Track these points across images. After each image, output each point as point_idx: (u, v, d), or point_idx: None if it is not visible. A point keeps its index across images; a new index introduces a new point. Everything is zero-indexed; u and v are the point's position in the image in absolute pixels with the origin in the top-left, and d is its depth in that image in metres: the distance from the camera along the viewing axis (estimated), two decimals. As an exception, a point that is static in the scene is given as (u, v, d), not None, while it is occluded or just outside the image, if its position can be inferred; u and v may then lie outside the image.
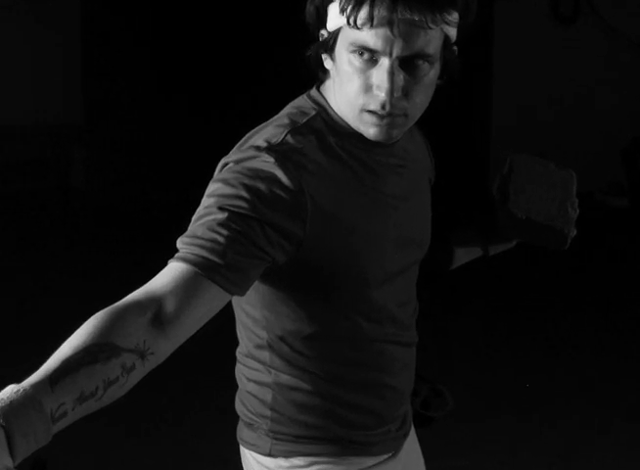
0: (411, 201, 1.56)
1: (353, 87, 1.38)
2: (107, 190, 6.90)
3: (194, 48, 6.80)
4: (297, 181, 1.37)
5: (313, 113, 1.47)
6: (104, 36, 6.82)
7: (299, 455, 1.56)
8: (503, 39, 6.83)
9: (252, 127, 1.48)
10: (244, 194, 1.32)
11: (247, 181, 1.34)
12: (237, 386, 1.64)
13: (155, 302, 1.19)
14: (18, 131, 6.99)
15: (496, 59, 6.90)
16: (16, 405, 1.01)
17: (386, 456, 1.63)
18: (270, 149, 1.39)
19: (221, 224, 1.29)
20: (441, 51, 1.39)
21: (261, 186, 1.34)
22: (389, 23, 1.32)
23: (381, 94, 1.36)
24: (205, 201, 1.35)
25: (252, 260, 1.30)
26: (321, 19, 1.41)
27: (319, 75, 1.49)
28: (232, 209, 1.31)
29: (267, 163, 1.37)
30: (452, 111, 6.06)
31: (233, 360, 1.63)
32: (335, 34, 1.39)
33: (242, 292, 1.30)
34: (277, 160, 1.37)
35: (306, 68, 1.47)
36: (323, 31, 1.42)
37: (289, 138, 1.41)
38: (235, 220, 1.30)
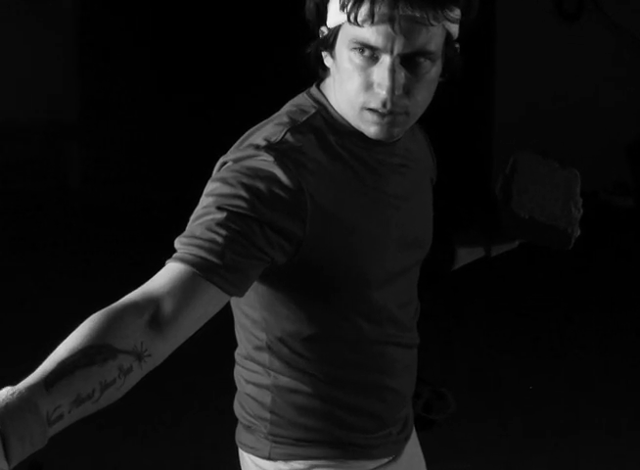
0: (413, 201, 1.56)
1: (354, 85, 1.38)
2: (104, 190, 6.90)
3: (193, 47, 6.80)
4: (296, 180, 1.37)
5: (313, 111, 1.46)
6: (100, 34, 6.83)
7: (299, 459, 1.56)
8: (506, 36, 6.83)
9: (252, 126, 1.48)
10: (243, 193, 1.32)
11: (246, 180, 1.34)
12: (235, 388, 1.64)
13: (152, 303, 1.19)
14: (14, 130, 6.99)
15: (499, 56, 6.90)
16: (11, 408, 1.00)
17: (386, 460, 1.63)
18: (269, 148, 1.39)
19: (220, 224, 1.29)
20: (443, 48, 1.39)
21: (260, 185, 1.34)
22: (391, 20, 1.32)
23: (382, 92, 1.36)
24: (204, 200, 1.34)
25: (251, 261, 1.30)
26: (321, 15, 1.41)
27: (319, 73, 1.49)
28: (231, 208, 1.30)
29: (266, 161, 1.37)
30: (454, 109, 6.05)
31: (231, 362, 1.63)
32: (335, 31, 1.39)
33: (240, 293, 1.30)
34: (276, 158, 1.37)
35: (306, 65, 1.47)
36: (323, 28, 1.41)
37: (288, 137, 1.41)
38: (234, 220, 1.29)
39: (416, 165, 1.58)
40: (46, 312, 4.68)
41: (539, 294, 5.17)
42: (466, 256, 1.82)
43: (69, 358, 1.08)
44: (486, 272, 3.95)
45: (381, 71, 1.35)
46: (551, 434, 3.62)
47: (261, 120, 1.49)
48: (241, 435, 1.62)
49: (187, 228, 1.32)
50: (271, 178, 1.35)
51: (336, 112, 1.46)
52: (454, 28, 1.39)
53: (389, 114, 1.38)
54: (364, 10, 1.32)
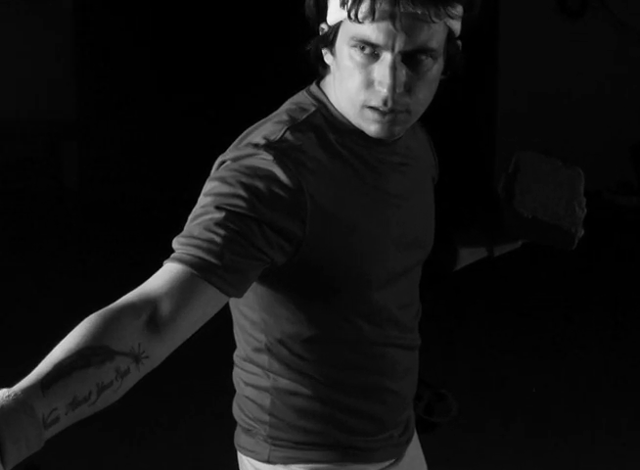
0: (414, 200, 1.56)
1: (354, 83, 1.38)
2: (102, 189, 6.90)
3: (193, 47, 6.81)
4: (296, 179, 1.37)
5: (313, 109, 1.46)
6: (99, 33, 6.83)
7: (299, 462, 1.56)
8: (509, 33, 6.82)
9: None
10: (241, 193, 1.32)
11: (244, 180, 1.34)
12: (234, 390, 1.63)
13: (150, 304, 1.19)
14: (12, 130, 6.99)
15: (502, 53, 6.89)
16: (6, 410, 1.00)
17: (387, 463, 1.63)
18: (269, 146, 1.38)
19: (218, 224, 1.28)
20: (445, 45, 1.39)
21: (260, 185, 1.34)
22: (392, 17, 1.31)
23: (382, 90, 1.36)
24: (202, 200, 1.34)
25: (251, 261, 1.30)
26: (321, 12, 1.40)
27: (319, 71, 1.49)
28: (229, 208, 1.30)
29: (266, 160, 1.37)
30: (456, 107, 6.05)
31: (230, 364, 1.63)
32: (335, 28, 1.39)
33: (239, 294, 1.30)
34: (276, 157, 1.37)
35: (306, 63, 1.47)
36: (323, 25, 1.41)
37: (288, 135, 1.41)
38: (232, 220, 1.29)
39: (417, 164, 1.58)
40: (44, 312, 4.68)
41: (542, 294, 5.17)
42: (468, 256, 1.82)
43: (66, 360, 1.08)
44: (489, 272, 3.95)
45: (382, 69, 1.35)
46: (552, 434, 3.62)
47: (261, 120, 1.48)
48: (240, 438, 1.62)
49: (185, 228, 1.32)
50: (270, 177, 1.35)
51: (336, 110, 1.46)
52: (456, 25, 1.39)
53: (390, 112, 1.38)
54: (365, 7, 1.32)
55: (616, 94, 6.96)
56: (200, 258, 1.25)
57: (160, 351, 1.18)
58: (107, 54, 6.88)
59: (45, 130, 7.04)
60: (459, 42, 1.43)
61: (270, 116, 1.48)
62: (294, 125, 1.43)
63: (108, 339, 1.12)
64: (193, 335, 1.25)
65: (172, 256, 1.27)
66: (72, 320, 1.18)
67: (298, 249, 1.38)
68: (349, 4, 1.33)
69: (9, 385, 1.05)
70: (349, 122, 1.44)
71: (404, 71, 1.35)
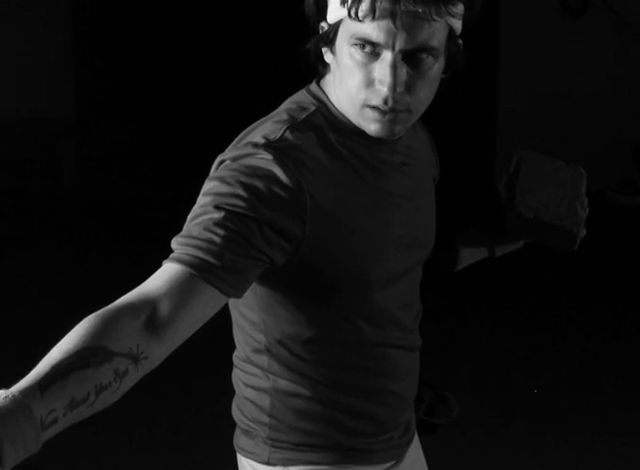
0: (415, 200, 1.56)
1: (354, 82, 1.38)
2: (99, 189, 6.90)
3: (192, 47, 6.82)
4: (295, 179, 1.36)
5: (313, 108, 1.46)
6: (97, 32, 6.83)
7: (299, 464, 1.56)
8: (510, 32, 6.83)
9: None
10: (241, 192, 1.32)
11: (244, 179, 1.33)
12: (234, 391, 1.63)
13: (148, 304, 1.19)
14: (9, 129, 6.99)
15: (503, 52, 6.89)
16: (4, 412, 1.00)
17: (388, 465, 1.63)
18: (268, 145, 1.38)
19: (218, 224, 1.28)
20: (446, 44, 1.39)
21: (259, 184, 1.34)
22: (392, 15, 1.31)
23: (383, 89, 1.36)
24: (201, 199, 1.34)
25: (250, 262, 1.30)
26: (321, 10, 1.40)
27: (319, 69, 1.48)
28: (229, 208, 1.30)
29: (265, 160, 1.36)
30: (457, 106, 6.05)
31: (229, 365, 1.63)
32: (335, 27, 1.38)
33: (239, 294, 1.30)
34: (275, 157, 1.37)
35: (306, 62, 1.47)
36: (323, 24, 1.41)
37: (287, 134, 1.41)
38: (232, 220, 1.29)
39: (418, 164, 1.58)
40: (42, 312, 4.69)
41: (543, 294, 5.17)
42: (469, 256, 1.82)
43: (64, 361, 1.07)
44: (490, 273, 3.95)
45: (382, 68, 1.35)
46: (557, 438, 3.61)
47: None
48: (239, 439, 1.62)
49: (184, 228, 1.31)
50: (270, 177, 1.35)
51: (336, 109, 1.46)
52: (457, 24, 1.39)
53: (391, 111, 1.38)
54: (365, 5, 1.32)
55: (617, 93, 6.96)
56: (199, 258, 1.25)
57: (158, 351, 1.18)
58: (106, 53, 6.88)
59: (43, 130, 7.04)
60: (460, 41, 1.43)
61: (270, 115, 1.47)
62: (293, 125, 1.43)
63: (106, 340, 1.12)
64: (192, 335, 1.25)
65: (171, 256, 1.27)
66: (71, 320, 1.18)
67: (298, 249, 1.38)
68: (350, 2, 1.33)
69: (7, 385, 1.05)
70: (350, 122, 1.44)
71: (405, 70, 1.35)
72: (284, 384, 1.53)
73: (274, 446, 1.56)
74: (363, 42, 1.34)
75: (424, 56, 1.35)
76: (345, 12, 1.34)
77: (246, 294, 1.34)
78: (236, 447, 1.64)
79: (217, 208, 1.30)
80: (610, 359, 4.33)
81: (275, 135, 1.40)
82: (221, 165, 1.39)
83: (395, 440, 1.63)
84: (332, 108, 1.46)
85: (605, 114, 6.97)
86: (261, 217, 1.31)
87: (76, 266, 5.56)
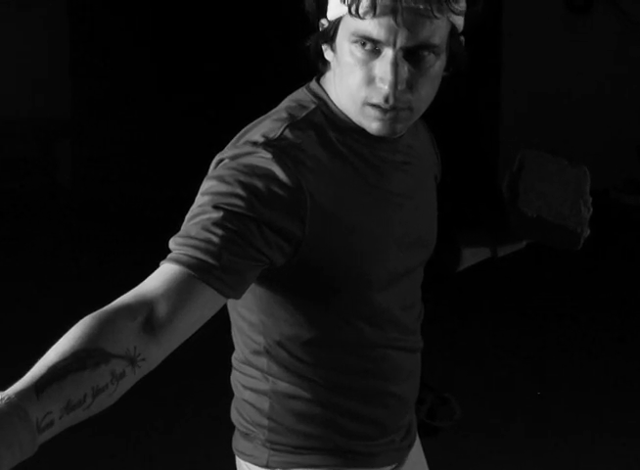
0: (416, 199, 1.56)
1: (355, 79, 1.38)
2: (95, 188, 6.90)
3: (191, 46, 6.83)
4: (295, 178, 1.36)
5: (313, 106, 1.46)
6: (94, 30, 6.84)
7: (298, 467, 1.56)
8: (513, 29, 6.83)
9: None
10: (240, 192, 1.32)
11: (243, 178, 1.33)
12: (232, 394, 1.64)
13: (146, 305, 1.19)
14: (4, 128, 6.99)
15: (505, 49, 6.89)
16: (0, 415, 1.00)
17: (389, 468, 1.63)
18: (267, 144, 1.38)
19: (216, 224, 1.28)
20: (448, 41, 1.39)
21: (258, 183, 1.34)
22: (393, 12, 1.31)
23: (384, 87, 1.36)
24: (200, 199, 1.34)
25: (249, 262, 1.30)
26: (321, 7, 1.40)
27: (319, 67, 1.48)
28: (227, 207, 1.30)
29: (264, 159, 1.36)
30: (459, 104, 6.06)
31: (228, 367, 1.63)
32: (335, 24, 1.38)
33: (237, 295, 1.30)
34: (275, 156, 1.37)
35: (306, 60, 1.47)
36: (323, 21, 1.41)
37: (287, 133, 1.41)
38: (230, 220, 1.29)
39: (419, 163, 1.58)
40: (39, 312, 4.69)
41: (547, 294, 5.17)
42: (471, 256, 1.82)
43: (60, 363, 1.07)
44: (492, 273, 3.95)
45: (383, 65, 1.35)
46: (560, 441, 3.61)
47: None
48: (238, 442, 1.62)
49: (182, 228, 1.31)
50: (269, 176, 1.35)
51: (336, 107, 1.46)
52: (459, 21, 1.39)
53: (392, 109, 1.38)
54: (366, 2, 1.32)
55: (622, 91, 6.96)
56: (197, 258, 1.25)
57: (156, 353, 1.18)
58: (101, 52, 6.89)
59: (39, 129, 7.04)
60: (462, 38, 1.43)
61: (269, 113, 1.47)
62: (293, 123, 1.43)
63: (103, 341, 1.12)
64: (190, 337, 1.25)
65: (169, 256, 1.27)
66: (68, 321, 1.18)
67: (298, 249, 1.38)
68: (350, -1, 1.33)
69: (3, 386, 1.05)
70: (350, 120, 1.44)
71: (406, 68, 1.35)
72: (283, 386, 1.54)
73: (273, 449, 1.56)
74: (364, 39, 1.34)
75: (425, 53, 1.35)
76: (346, 9, 1.34)
77: (244, 295, 1.34)
78: (235, 451, 1.64)
79: (216, 207, 1.30)
80: (610, 359, 4.33)
81: (274, 134, 1.40)
82: (220, 164, 1.39)
83: (396, 443, 1.63)
84: (332, 106, 1.46)
85: (609, 113, 6.97)
86: (260, 217, 1.31)
87: (72, 266, 5.56)
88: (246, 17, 6.76)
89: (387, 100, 1.37)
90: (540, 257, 4.18)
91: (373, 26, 1.33)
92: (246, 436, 1.60)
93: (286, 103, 1.49)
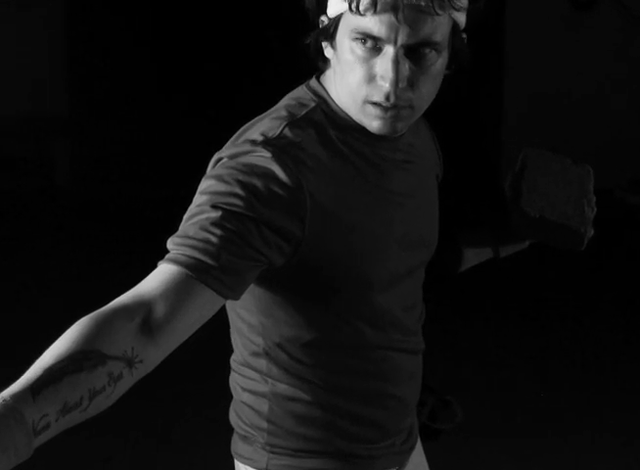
0: (417, 198, 1.56)
1: (355, 77, 1.38)
2: (93, 188, 6.90)
3: (191, 45, 6.83)
4: (295, 177, 1.36)
5: (313, 104, 1.46)
6: (91, 27, 6.84)
7: (298, 470, 1.56)
8: (516, 26, 6.82)
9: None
10: (239, 191, 1.32)
11: (242, 178, 1.33)
12: (231, 396, 1.63)
13: (143, 306, 1.19)
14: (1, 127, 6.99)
15: (508, 47, 6.89)
16: (-5, 417, 1.00)
17: (390, 471, 1.63)
18: (267, 143, 1.38)
19: (214, 224, 1.28)
20: (450, 38, 1.39)
21: (257, 183, 1.34)
22: (394, 9, 1.31)
23: (385, 84, 1.36)
24: (198, 198, 1.34)
25: (248, 262, 1.30)
26: (321, 4, 1.40)
27: (319, 65, 1.48)
28: (226, 207, 1.30)
29: (264, 158, 1.36)
30: (461, 102, 6.05)
31: (226, 369, 1.63)
32: (336, 21, 1.38)
33: (236, 296, 1.30)
34: (274, 154, 1.37)
35: (306, 57, 1.47)
36: (323, 18, 1.41)
37: (286, 131, 1.41)
38: (229, 219, 1.29)
39: (421, 161, 1.58)
40: (37, 313, 4.68)
41: (550, 295, 5.17)
42: (473, 257, 1.82)
43: (57, 365, 1.07)
44: (495, 273, 3.95)
45: (384, 63, 1.35)
46: (563, 445, 3.61)
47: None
48: (237, 445, 1.62)
49: (180, 228, 1.31)
50: (268, 175, 1.35)
51: (336, 105, 1.46)
52: (461, 18, 1.39)
53: (393, 107, 1.38)
54: (366, -2, 1.32)
55: (629, 89, 6.95)
56: (195, 258, 1.25)
57: (154, 355, 1.18)
58: (99, 50, 6.89)
59: (37, 128, 7.03)
60: (464, 35, 1.43)
61: (269, 111, 1.47)
62: (293, 121, 1.43)
63: (100, 343, 1.12)
64: (188, 338, 1.25)
65: (167, 256, 1.27)
66: (67, 320, 1.18)
67: (297, 249, 1.38)
68: (350, -5, 1.33)
69: (4, 386, 1.05)
70: (350, 118, 1.44)
71: (407, 66, 1.35)
72: (283, 388, 1.53)
73: (273, 453, 1.56)
74: (364, 37, 1.34)
75: (427, 51, 1.35)
76: (346, 5, 1.34)
77: (243, 296, 1.34)
78: (233, 454, 1.64)
79: (214, 207, 1.30)
80: (613, 360, 4.33)
81: (274, 132, 1.40)
82: (218, 163, 1.39)
83: (397, 445, 1.63)
84: (332, 104, 1.46)
85: (614, 111, 6.96)
86: (259, 217, 1.31)
87: (71, 266, 5.56)
88: (246, 17, 6.77)
89: (387, 98, 1.37)
90: (543, 257, 4.18)
91: (374, 23, 1.33)
92: (245, 439, 1.59)
93: (285, 101, 1.49)
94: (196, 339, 1.36)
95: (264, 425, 1.56)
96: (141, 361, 1.16)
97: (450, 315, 4.66)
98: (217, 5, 6.75)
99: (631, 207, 6.81)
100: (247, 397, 1.58)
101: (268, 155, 1.36)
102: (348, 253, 1.44)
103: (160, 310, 1.19)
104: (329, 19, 1.40)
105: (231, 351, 1.61)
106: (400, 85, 1.35)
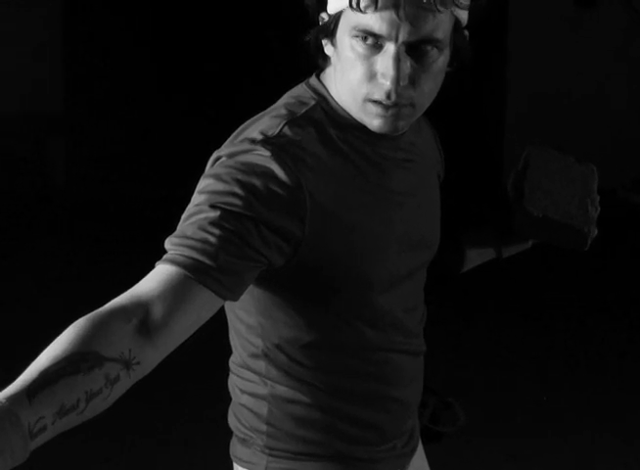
0: (419, 197, 1.56)
1: (356, 75, 1.38)
2: (88, 187, 6.90)
3: (192, 46, 6.83)
4: (294, 177, 1.36)
5: (313, 103, 1.46)
6: (86, 27, 6.84)
7: (298, 473, 1.56)
8: (518, 23, 6.81)
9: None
10: (237, 191, 1.31)
11: (240, 177, 1.33)
12: (230, 398, 1.63)
13: (141, 307, 1.18)
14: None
15: (511, 44, 6.88)
16: (-10, 420, 1.00)
17: (391, 474, 1.63)
18: (266, 142, 1.38)
19: (213, 223, 1.28)
20: (451, 36, 1.39)
21: (256, 182, 1.33)
22: (395, 6, 1.31)
23: (386, 82, 1.35)
24: (196, 198, 1.34)
25: (247, 263, 1.29)
26: (321, 1, 1.40)
27: (319, 62, 1.48)
28: (225, 206, 1.30)
29: (263, 156, 1.36)
30: (463, 100, 6.05)
31: (225, 371, 1.63)
32: (336, 18, 1.38)
33: (235, 297, 1.30)
34: (273, 153, 1.36)
35: (305, 55, 1.47)
36: (323, 15, 1.41)
37: (286, 130, 1.40)
38: (228, 219, 1.29)
39: (422, 160, 1.58)
40: (35, 313, 4.69)
41: (553, 295, 5.17)
42: (476, 257, 1.81)
43: (53, 367, 1.07)
44: (498, 274, 3.94)
45: (385, 61, 1.35)
46: (566, 448, 3.61)
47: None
48: (235, 448, 1.62)
49: (178, 228, 1.31)
50: (268, 174, 1.35)
51: (337, 103, 1.46)
52: (463, 15, 1.38)
53: (394, 105, 1.37)
54: (367, -5, 1.32)
55: (635, 86, 6.95)
56: (193, 259, 1.25)
57: (151, 356, 1.18)
58: (98, 50, 6.89)
59: (31, 127, 7.03)
60: (466, 32, 1.42)
61: (268, 109, 1.47)
62: (292, 120, 1.42)
63: (97, 344, 1.11)
64: (186, 339, 1.25)
65: (165, 257, 1.27)
66: (65, 320, 1.18)
67: (297, 249, 1.38)
68: (351, -8, 1.33)
69: (4, 386, 1.04)
70: (351, 117, 1.44)
71: (408, 63, 1.35)
72: (282, 390, 1.53)
73: (272, 455, 1.56)
74: (365, 34, 1.34)
75: (428, 48, 1.35)
76: (347, 2, 1.34)
77: (242, 296, 1.33)
78: (232, 457, 1.63)
79: (213, 206, 1.30)
80: (616, 361, 4.33)
81: (273, 131, 1.40)
82: (217, 162, 1.39)
83: (399, 448, 1.63)
84: (332, 102, 1.46)
85: (618, 110, 6.96)
86: (259, 217, 1.31)
87: (66, 267, 5.56)
88: (246, 17, 6.77)
89: (388, 96, 1.36)
90: (546, 257, 4.18)
91: (374, 21, 1.32)
92: (243, 441, 1.59)
93: (285, 99, 1.48)
94: (194, 340, 1.36)
95: (263, 427, 1.56)
96: (138, 363, 1.15)
97: (453, 316, 4.66)
98: (217, 5, 6.76)
99: (635, 206, 6.81)
100: (246, 399, 1.57)
101: (267, 154, 1.36)
102: (349, 252, 1.44)
103: (157, 312, 1.19)
104: (329, 16, 1.39)
105: (230, 352, 1.61)
106: (401, 83, 1.35)
